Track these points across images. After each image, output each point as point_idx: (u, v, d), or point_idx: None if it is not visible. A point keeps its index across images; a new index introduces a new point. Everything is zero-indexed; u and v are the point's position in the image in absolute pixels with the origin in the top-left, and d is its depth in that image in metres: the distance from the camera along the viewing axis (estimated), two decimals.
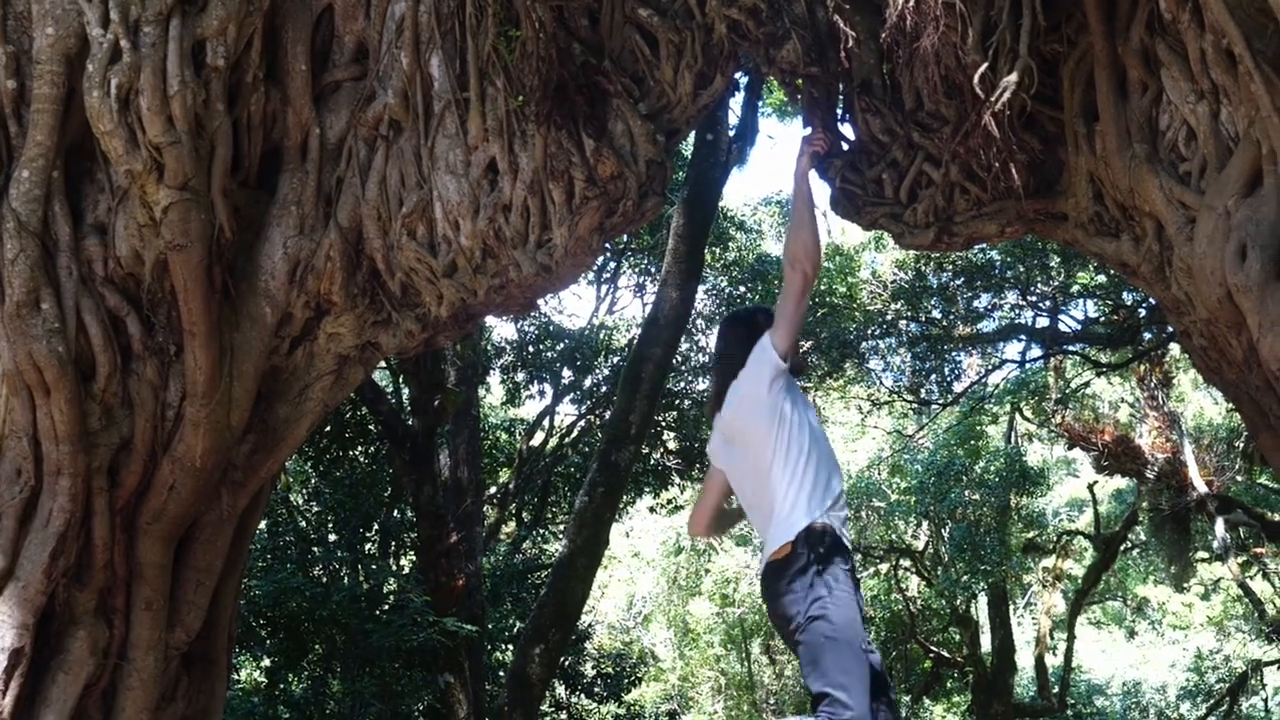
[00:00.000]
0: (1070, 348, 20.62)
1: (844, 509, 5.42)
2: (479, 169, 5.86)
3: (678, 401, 21.37)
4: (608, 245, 20.43)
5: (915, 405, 24.37)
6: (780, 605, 5.29)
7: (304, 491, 18.94)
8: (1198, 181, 4.97)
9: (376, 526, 17.58)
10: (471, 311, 6.26)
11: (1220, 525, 20.50)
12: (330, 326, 6.15)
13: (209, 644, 6.47)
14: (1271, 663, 27.45)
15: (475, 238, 5.91)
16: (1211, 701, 28.75)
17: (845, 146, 6.42)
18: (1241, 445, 20.42)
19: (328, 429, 17.19)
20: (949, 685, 29.02)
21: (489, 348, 20.44)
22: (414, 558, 17.33)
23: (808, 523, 5.24)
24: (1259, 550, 22.26)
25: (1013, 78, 5.22)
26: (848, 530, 5.42)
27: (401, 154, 5.98)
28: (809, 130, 6.39)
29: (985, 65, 5.30)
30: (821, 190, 6.40)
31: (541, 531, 22.60)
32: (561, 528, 20.43)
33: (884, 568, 27.25)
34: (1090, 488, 24.68)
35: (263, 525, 16.16)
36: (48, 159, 5.49)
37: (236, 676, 17.12)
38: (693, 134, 15.17)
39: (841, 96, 6.43)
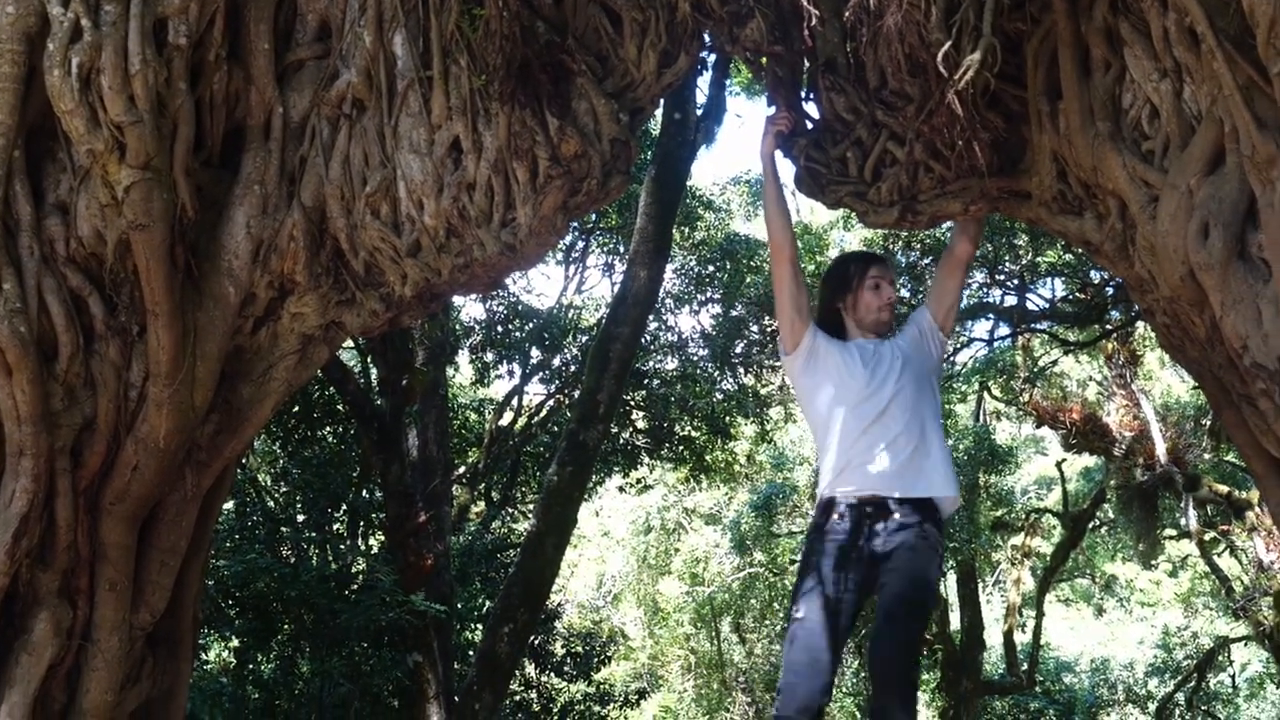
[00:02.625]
0: (1038, 326, 20.67)
1: None
2: (442, 148, 5.85)
3: (646, 381, 21.39)
4: (576, 225, 20.56)
5: None
6: (897, 540, 5.68)
7: (272, 471, 18.91)
8: (1160, 160, 4.98)
9: (345, 506, 17.56)
10: (436, 291, 6.25)
11: (1188, 503, 20.62)
12: (294, 306, 6.13)
13: (174, 624, 6.45)
14: (1238, 639, 27.61)
15: (439, 217, 5.90)
16: (1179, 678, 28.94)
17: (809, 125, 6.42)
18: (1208, 423, 20.51)
19: (295, 409, 17.16)
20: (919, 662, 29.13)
21: (457, 327, 20.42)
22: (382, 537, 17.30)
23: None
24: (1226, 527, 22.37)
25: (976, 56, 5.22)
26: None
27: (365, 133, 5.96)
28: (773, 109, 6.42)
29: (949, 43, 5.29)
30: (786, 169, 6.44)
31: (510, 511, 22.60)
32: (530, 507, 20.44)
33: None
34: (1058, 466, 24.82)
35: (230, 505, 16.16)
36: (8, 138, 5.45)
37: (205, 657, 17.09)
38: (660, 113, 15.18)
39: (805, 75, 6.44)
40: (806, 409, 6.18)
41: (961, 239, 6.40)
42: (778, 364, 22.24)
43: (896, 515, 5.69)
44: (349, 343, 17.36)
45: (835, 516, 5.77)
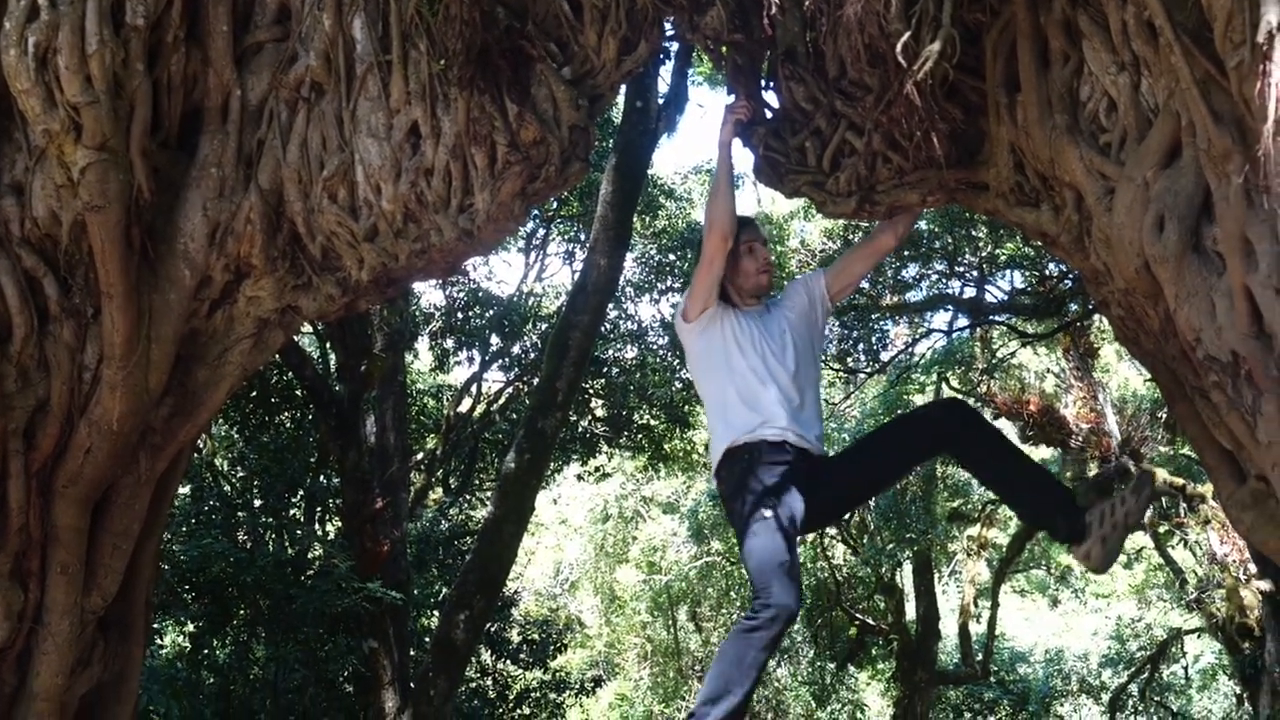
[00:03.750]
0: (997, 318, 20.73)
1: None
2: (401, 132, 5.83)
3: (605, 369, 21.39)
4: (536, 212, 20.55)
5: (842, 374, 24.48)
6: (783, 482, 5.84)
7: (228, 456, 18.84)
8: (1117, 152, 4.99)
9: (301, 492, 17.52)
10: (393, 276, 6.23)
11: None
12: (250, 290, 6.10)
13: (126, 608, 6.43)
14: (1192, 631, 27.77)
15: (396, 202, 5.88)
16: (1133, 669, 29.08)
17: (769, 114, 6.43)
18: (1164, 415, 20.61)
19: (253, 394, 17.11)
20: (874, 652, 29.23)
21: (417, 314, 20.38)
22: (339, 523, 17.28)
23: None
24: (1180, 520, 22.47)
25: (935, 47, 5.22)
26: None
27: (323, 116, 5.93)
28: (733, 98, 6.42)
29: (908, 34, 5.30)
30: (745, 158, 6.46)
31: (468, 498, 22.57)
32: (488, 494, 20.43)
33: (810, 536, 27.37)
34: None
35: (186, 490, 16.11)
36: None
37: (160, 642, 17.03)
38: (622, 101, 15.18)
39: (765, 64, 6.44)
40: (703, 370, 6.35)
41: (889, 231, 6.55)
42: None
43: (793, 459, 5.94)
44: (308, 328, 17.42)
45: (766, 450, 5.94)
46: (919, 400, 25.12)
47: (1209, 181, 4.51)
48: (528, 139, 5.78)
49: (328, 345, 17.63)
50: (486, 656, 20.05)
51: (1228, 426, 4.76)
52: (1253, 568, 18.94)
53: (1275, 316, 4.23)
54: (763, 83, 6.49)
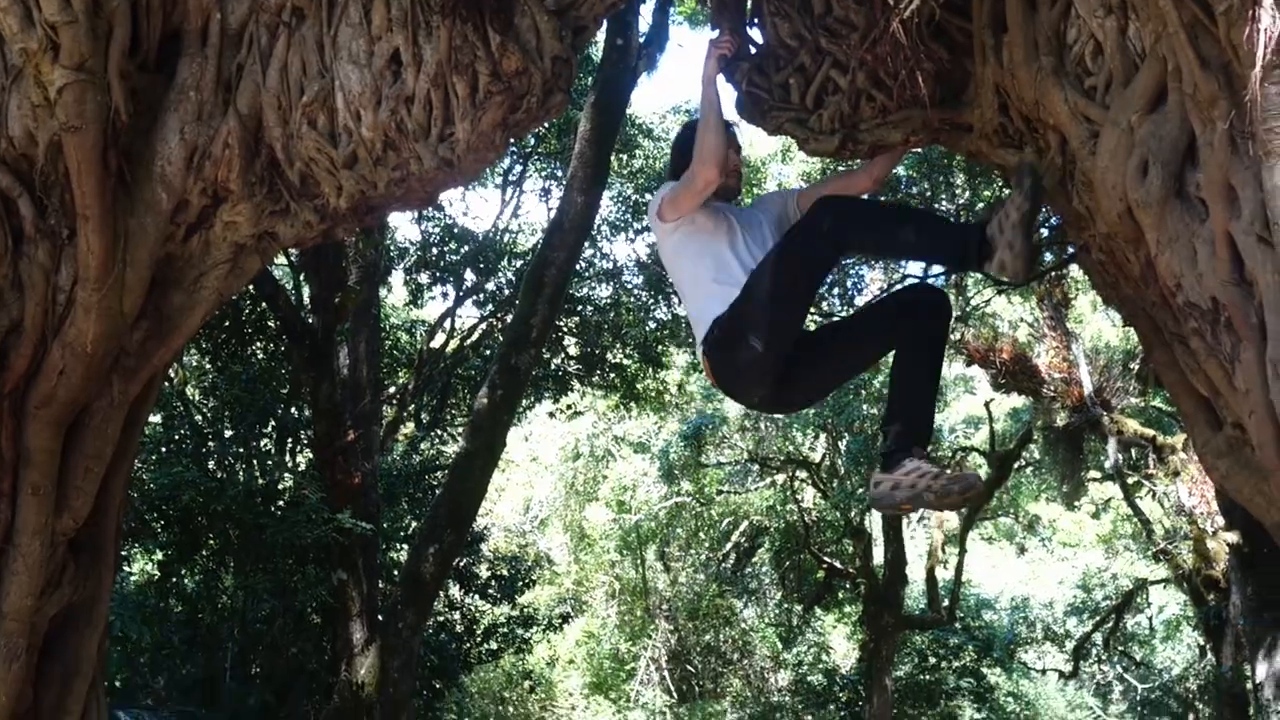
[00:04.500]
0: None
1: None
2: (382, 60, 5.77)
3: (580, 307, 21.40)
4: (514, 149, 20.45)
5: (817, 317, 24.50)
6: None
7: (201, 386, 18.82)
8: (1103, 96, 4.97)
9: (273, 423, 17.52)
10: (371, 204, 6.19)
11: (1112, 445, 20.79)
12: (227, 215, 6.06)
13: (97, 532, 6.41)
14: (1157, 582, 27.98)
15: (376, 129, 5.83)
16: (1097, 618, 29.30)
17: (752, 50, 6.40)
18: (1136, 367, 20.66)
19: (226, 324, 17.07)
20: (841, 596, 29.37)
21: (392, 248, 20.35)
22: (310, 455, 17.28)
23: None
24: (1149, 471, 22.58)
25: None
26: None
27: (304, 42, 5.88)
28: (716, 33, 6.38)
29: None
30: (728, 94, 6.42)
31: (440, 433, 22.59)
32: (460, 430, 20.44)
33: (780, 478, 27.48)
34: (987, 405, 24.93)
35: (158, 419, 16.10)
36: None
37: (129, 569, 17.05)
38: (603, 39, 15.12)
39: (750, 0, 6.41)
40: (679, 256, 6.24)
41: (865, 174, 6.49)
42: None
43: None
44: (281, 259, 17.37)
45: None
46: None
47: (1194, 127, 4.49)
48: (510, 69, 5.73)
49: (302, 277, 17.56)
50: (455, 591, 20.12)
51: (1205, 373, 4.77)
52: (1220, 520, 19.04)
53: (1256, 263, 4.22)
54: (747, 18, 6.46)
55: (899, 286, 6.27)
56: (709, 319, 5.86)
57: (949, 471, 5.31)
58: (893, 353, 5.96)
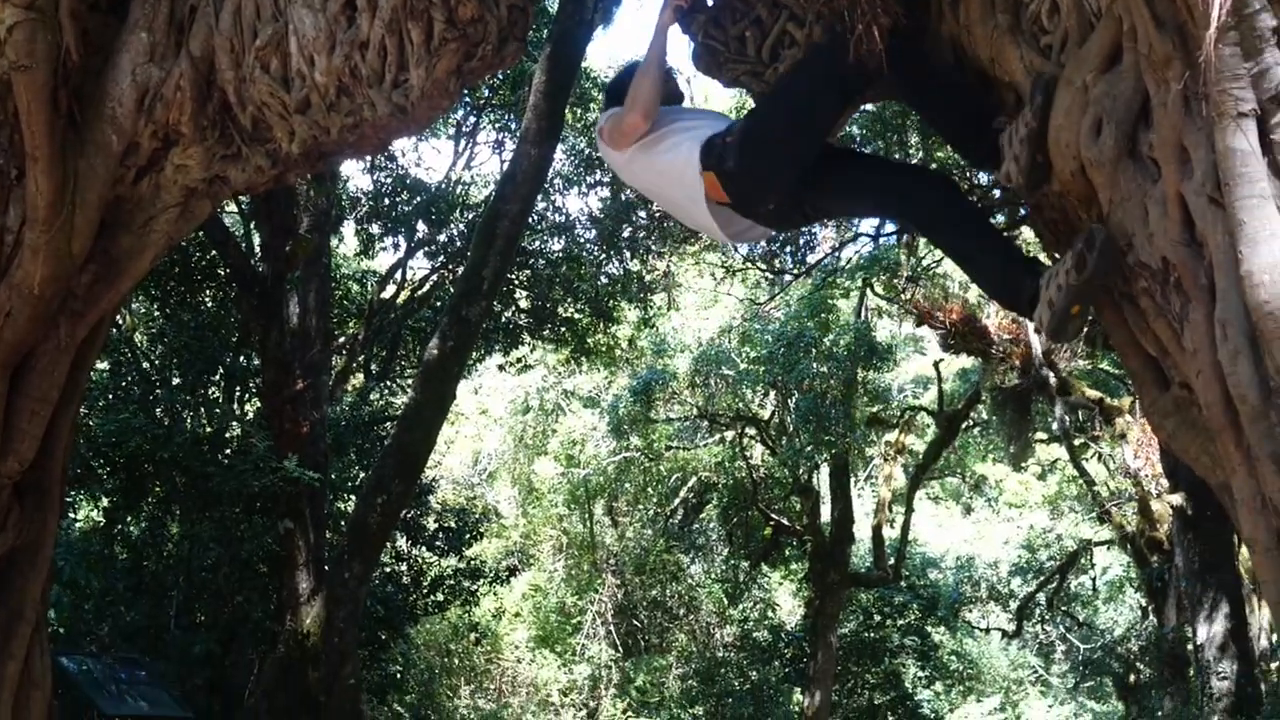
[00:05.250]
0: None
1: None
2: (337, 4, 5.73)
3: (532, 260, 21.36)
4: (467, 100, 20.39)
5: (769, 275, 24.53)
6: None
7: (149, 333, 18.72)
8: (1058, 55, 4.98)
9: (221, 370, 17.46)
10: (324, 150, 6.16)
11: (1059, 407, 20.92)
12: (178, 158, 6.02)
13: (42, 475, 6.37)
14: (1101, 543, 28.23)
15: (330, 74, 5.79)
16: (1041, 578, 29.51)
17: (709, 2, 6.38)
18: (1085, 329, 20.78)
19: (175, 270, 17.00)
20: (787, 553, 29.45)
21: (344, 198, 20.26)
22: (259, 403, 17.22)
23: None
24: (1095, 433, 22.73)
25: None
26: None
27: None
28: None
29: None
30: (685, 45, 6.43)
31: (389, 384, 22.55)
32: (409, 382, 20.42)
33: (729, 435, 27.52)
34: (936, 365, 25.02)
35: (105, 365, 16.03)
36: None
37: (74, 516, 16.98)
38: None
39: None
40: (649, 162, 6.28)
41: None
42: (663, 250, 22.29)
43: None
44: (232, 207, 17.27)
45: None
46: (844, 305, 25.24)
47: (1148, 87, 4.50)
48: (465, 16, 5.69)
49: (252, 224, 17.48)
50: (402, 542, 20.10)
51: (1154, 333, 4.78)
52: (1164, 483, 19.19)
53: (1207, 224, 4.24)
54: None
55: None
56: (698, 152, 5.94)
57: (1069, 255, 5.07)
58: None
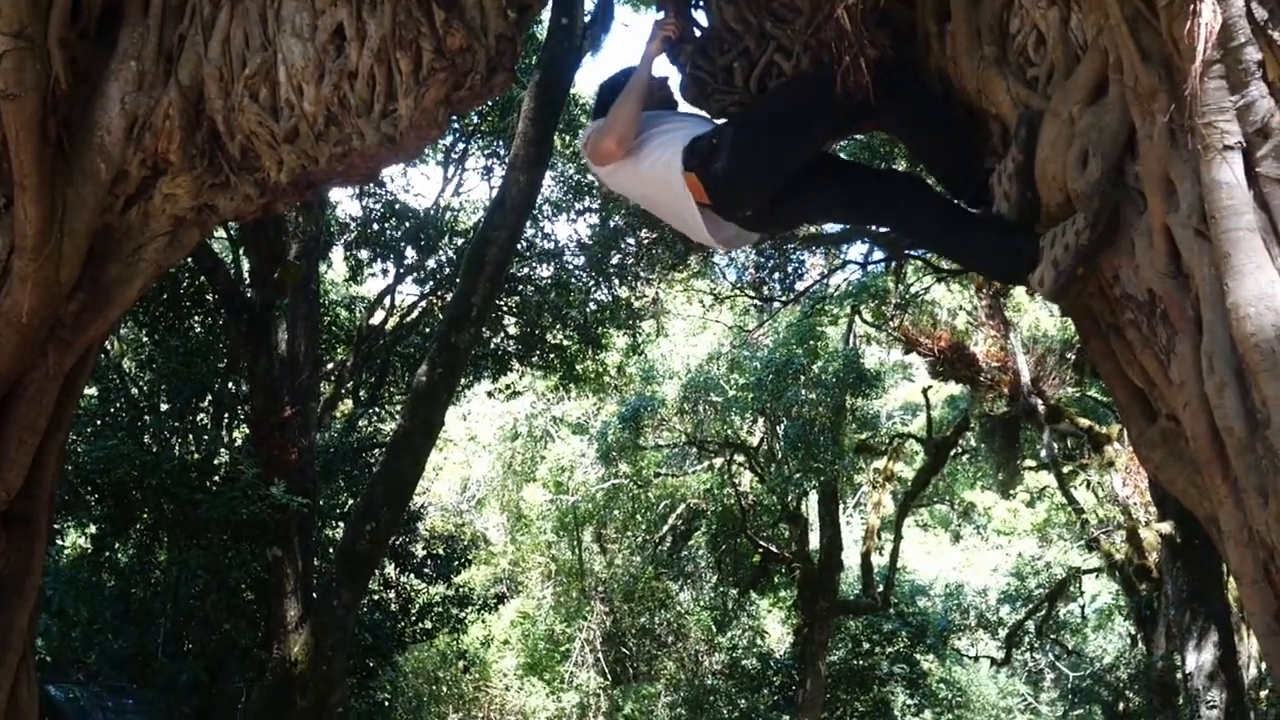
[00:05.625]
0: (912, 253, 20.82)
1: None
2: (325, 34, 5.74)
3: (520, 287, 21.39)
4: (456, 126, 20.40)
5: (757, 302, 24.56)
6: None
7: (137, 359, 18.70)
8: (1044, 86, 5.00)
9: (210, 397, 17.43)
10: (312, 179, 6.16)
11: (1048, 435, 20.95)
12: (167, 186, 6.02)
13: (30, 504, 6.35)
14: (1090, 571, 28.25)
15: (319, 104, 5.80)
16: (1030, 606, 29.53)
17: (697, 33, 6.40)
18: (1073, 357, 20.81)
19: (164, 297, 16.98)
20: (776, 580, 29.48)
21: (333, 224, 20.26)
22: (247, 430, 17.20)
23: None
24: (1084, 460, 22.76)
25: None
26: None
27: (247, 14, 5.84)
28: (662, 14, 6.39)
29: None
30: (673, 75, 6.43)
31: (378, 411, 22.55)
32: (398, 408, 20.41)
33: (718, 462, 27.53)
34: (924, 392, 25.06)
35: (93, 391, 16.00)
36: None
37: (62, 542, 16.95)
38: (548, 18, 15.09)
39: None
40: (635, 170, 6.27)
41: None
42: (652, 276, 22.31)
43: None
44: (221, 233, 17.26)
45: None
46: (832, 332, 25.28)
47: (1134, 119, 4.52)
48: (454, 46, 5.71)
49: (241, 250, 17.47)
50: (391, 569, 20.08)
51: (1141, 365, 4.79)
52: (1153, 510, 19.22)
53: (1193, 256, 4.25)
54: (693, 1, 6.46)
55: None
56: (681, 155, 5.96)
57: (1079, 216, 5.02)
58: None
